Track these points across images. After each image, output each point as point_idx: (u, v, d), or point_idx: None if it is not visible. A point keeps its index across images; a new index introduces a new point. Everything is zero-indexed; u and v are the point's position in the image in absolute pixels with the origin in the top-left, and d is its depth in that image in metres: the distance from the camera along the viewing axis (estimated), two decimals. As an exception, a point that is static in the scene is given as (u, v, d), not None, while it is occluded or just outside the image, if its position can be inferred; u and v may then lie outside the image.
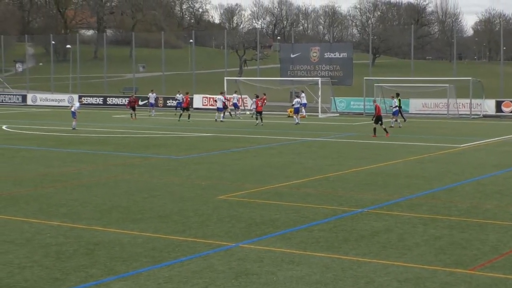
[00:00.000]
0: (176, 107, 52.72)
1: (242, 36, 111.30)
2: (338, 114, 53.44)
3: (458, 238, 13.32)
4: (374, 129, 34.64)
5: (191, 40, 78.98)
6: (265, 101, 48.63)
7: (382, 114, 35.33)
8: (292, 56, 58.23)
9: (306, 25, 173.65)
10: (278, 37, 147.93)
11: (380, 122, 34.60)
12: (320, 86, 51.46)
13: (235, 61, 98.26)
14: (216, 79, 76.24)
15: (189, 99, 48.28)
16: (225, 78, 55.04)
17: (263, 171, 22.63)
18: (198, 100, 60.20)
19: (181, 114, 47.09)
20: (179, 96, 51.00)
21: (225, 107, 49.60)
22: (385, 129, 34.73)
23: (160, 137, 35.41)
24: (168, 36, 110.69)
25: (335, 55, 56.66)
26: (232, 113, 50.28)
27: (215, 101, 49.06)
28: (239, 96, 53.75)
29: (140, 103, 58.39)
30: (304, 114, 49.84)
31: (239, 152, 28.39)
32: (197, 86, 65.17)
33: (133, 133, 37.33)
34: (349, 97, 56.54)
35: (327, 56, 56.87)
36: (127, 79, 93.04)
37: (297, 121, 43.13)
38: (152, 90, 53.00)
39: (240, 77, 79.11)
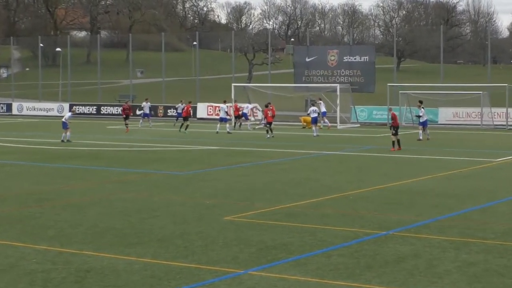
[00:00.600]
0: (176, 117, 52.72)
1: (252, 38, 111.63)
2: (358, 125, 53.39)
3: (494, 264, 13.22)
4: (394, 142, 34.48)
5: (194, 42, 79.15)
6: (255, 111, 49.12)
7: (401, 124, 35.19)
8: (307, 60, 58.27)
9: (323, 25, 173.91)
10: (292, 39, 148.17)
11: (394, 132, 34.47)
12: (338, 93, 51.42)
13: (243, 66, 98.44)
14: (223, 86, 76.29)
15: (190, 108, 48.17)
16: (233, 84, 55.08)
17: (275, 188, 22.59)
18: (202, 109, 60.30)
19: (182, 125, 47.13)
20: (181, 106, 51.06)
21: (238, 116, 49.51)
22: (394, 142, 34.41)
23: (159, 150, 35.42)
24: (169, 38, 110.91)
25: (355, 58, 56.68)
26: (243, 123, 50.25)
27: (218, 110, 49.06)
28: (252, 106, 53.54)
29: (138, 112, 58.41)
30: (329, 124, 49.74)
31: (248, 167, 28.36)
32: (201, 94, 65.28)
33: (130, 146, 37.37)
34: (371, 105, 56.49)
35: (346, 60, 56.89)
36: (124, 85, 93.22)
37: (316, 133, 42.95)
38: (146, 99, 52.78)
39: (249, 83, 79.14)
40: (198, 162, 29.96)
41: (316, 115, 44.53)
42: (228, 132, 45.35)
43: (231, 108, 51.33)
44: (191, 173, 26.44)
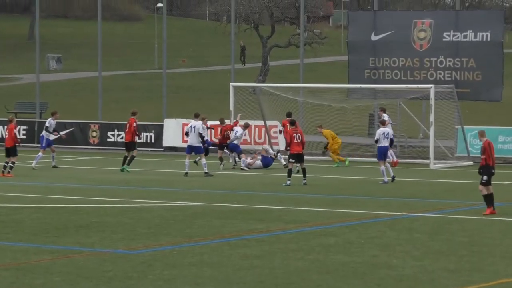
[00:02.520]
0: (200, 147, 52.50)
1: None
2: (471, 163, 53.34)
3: None
4: (486, 196, 33.90)
5: (159, 4, 79.62)
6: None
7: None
8: (373, 38, 58.47)
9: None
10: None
11: (484, 178, 33.70)
12: (433, 102, 51.46)
13: (252, 49, 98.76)
14: (212, 87, 76.54)
15: (134, 125, 47.93)
16: (231, 84, 55.23)
17: (311, 283, 22.72)
18: (173, 131, 60.12)
19: (125, 159, 47.14)
20: (196, 124, 51.58)
21: (224, 145, 49.78)
22: (487, 197, 33.97)
23: (92, 208, 35.57)
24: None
25: (466, 36, 56.82)
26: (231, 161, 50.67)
27: (186, 133, 48.98)
28: (245, 128, 53.28)
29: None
30: (395, 159, 49.58)
31: (259, 240, 28.51)
32: (171, 101, 65.27)
33: (36, 200, 37.54)
34: (495, 125, 56.45)
35: (448, 39, 57.01)
36: (24, 85, 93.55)
37: (386, 178, 42.96)
38: (53, 113, 52.40)
39: (263, 81, 79.31)
40: (166, 232, 30.11)
41: (387, 144, 44.24)
42: (206, 173, 45.51)
43: (219, 128, 51.11)
44: (152, 252, 26.57)
